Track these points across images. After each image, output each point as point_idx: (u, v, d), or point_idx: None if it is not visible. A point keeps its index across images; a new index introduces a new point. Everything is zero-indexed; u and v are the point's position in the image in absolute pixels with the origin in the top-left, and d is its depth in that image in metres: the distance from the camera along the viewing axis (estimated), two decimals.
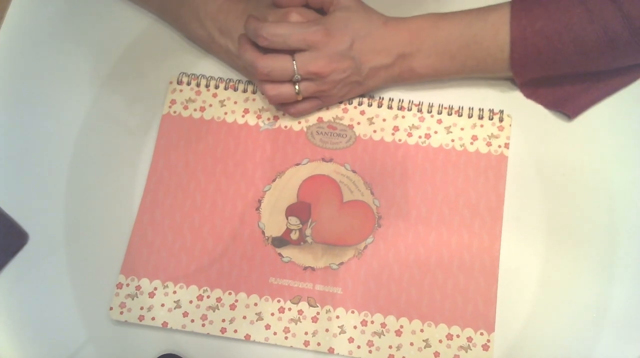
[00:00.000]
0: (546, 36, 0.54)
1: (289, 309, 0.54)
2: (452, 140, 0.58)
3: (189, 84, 0.61)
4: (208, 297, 0.55)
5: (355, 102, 0.60)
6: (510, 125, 0.59)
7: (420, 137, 0.59)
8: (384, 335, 0.53)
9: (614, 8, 0.52)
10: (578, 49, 0.54)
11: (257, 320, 0.54)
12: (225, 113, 0.60)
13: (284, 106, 0.58)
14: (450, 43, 0.56)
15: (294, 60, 0.53)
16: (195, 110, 0.60)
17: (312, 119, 0.59)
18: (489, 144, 0.58)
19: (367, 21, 0.55)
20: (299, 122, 0.59)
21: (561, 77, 0.58)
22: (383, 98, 0.60)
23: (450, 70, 0.57)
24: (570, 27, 0.53)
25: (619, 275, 0.55)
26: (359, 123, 0.59)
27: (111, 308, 0.55)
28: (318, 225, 0.56)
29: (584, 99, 0.58)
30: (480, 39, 0.55)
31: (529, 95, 0.59)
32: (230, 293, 0.55)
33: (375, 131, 0.59)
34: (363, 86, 0.58)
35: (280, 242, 0.56)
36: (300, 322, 0.54)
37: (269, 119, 0.60)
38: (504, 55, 0.55)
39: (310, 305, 0.54)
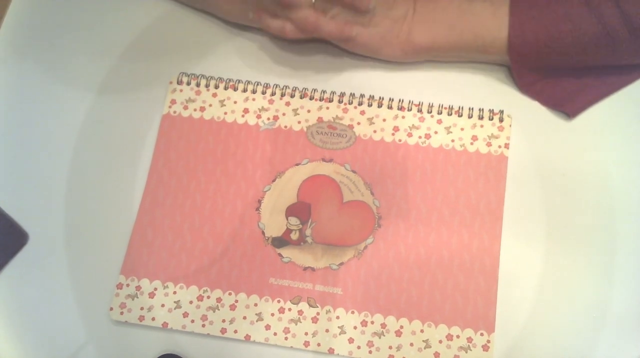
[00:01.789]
0: (544, 24, 0.54)
1: (289, 309, 0.54)
2: (452, 141, 0.58)
3: (189, 84, 0.61)
4: (208, 297, 0.55)
5: (355, 102, 0.60)
6: (510, 126, 0.59)
7: (420, 137, 0.58)
8: (384, 335, 0.53)
9: (613, 4, 0.52)
10: (575, 40, 0.54)
11: (257, 321, 0.54)
12: (225, 113, 0.60)
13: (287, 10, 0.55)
14: (448, 10, 0.56)
15: None
16: (195, 110, 0.60)
17: (312, 119, 0.59)
18: (489, 144, 0.58)
19: None
20: (299, 122, 0.59)
21: (559, 75, 0.58)
22: (383, 98, 0.60)
23: (448, 40, 0.57)
24: (569, 18, 0.53)
25: (619, 275, 0.55)
26: (359, 123, 0.59)
27: (111, 309, 0.55)
28: (318, 225, 0.56)
29: (583, 99, 0.58)
30: (479, 13, 0.56)
31: (525, 89, 0.59)
32: (230, 294, 0.55)
33: (375, 131, 0.59)
34: (365, 29, 0.57)
35: (280, 242, 0.56)
36: (300, 322, 0.54)
37: (268, 118, 0.60)
38: (502, 34, 0.55)
39: (310, 306, 0.54)
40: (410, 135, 0.59)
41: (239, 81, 0.61)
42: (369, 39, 0.58)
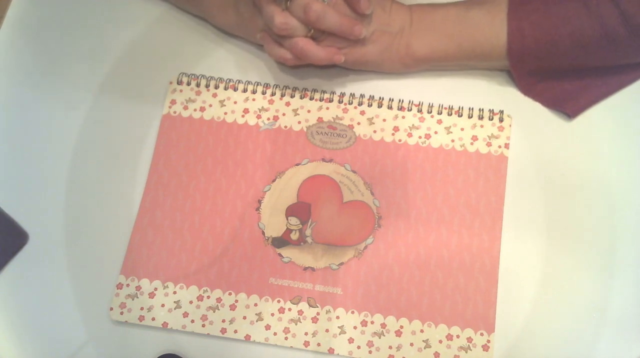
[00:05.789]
0: (543, 28, 0.54)
1: (289, 309, 0.54)
2: (452, 141, 0.58)
3: (189, 84, 0.61)
4: (208, 297, 0.55)
5: (356, 102, 0.60)
6: (510, 126, 0.59)
7: (420, 137, 0.59)
8: (384, 335, 0.53)
9: (612, 4, 0.52)
10: (575, 42, 0.54)
11: (257, 321, 0.54)
12: (225, 113, 0.60)
13: (286, 41, 0.56)
14: (446, 21, 0.57)
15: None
16: (195, 110, 0.60)
17: (312, 119, 0.60)
18: (489, 144, 0.58)
19: None
20: (299, 122, 0.59)
21: (560, 75, 0.58)
22: (383, 98, 0.60)
23: (447, 51, 0.57)
24: (568, 21, 0.54)
25: (619, 275, 0.55)
26: (359, 123, 0.59)
27: (111, 309, 0.55)
28: (318, 225, 0.56)
29: (584, 99, 0.58)
30: (477, 22, 0.56)
31: (526, 91, 0.59)
32: (230, 294, 0.55)
33: (375, 131, 0.59)
34: (363, 48, 0.57)
35: (280, 242, 0.56)
36: (300, 322, 0.54)
37: (268, 118, 0.60)
38: (501, 42, 0.56)
39: (310, 306, 0.54)
40: (410, 135, 0.59)
41: (239, 81, 0.61)
42: (369, 57, 0.58)
